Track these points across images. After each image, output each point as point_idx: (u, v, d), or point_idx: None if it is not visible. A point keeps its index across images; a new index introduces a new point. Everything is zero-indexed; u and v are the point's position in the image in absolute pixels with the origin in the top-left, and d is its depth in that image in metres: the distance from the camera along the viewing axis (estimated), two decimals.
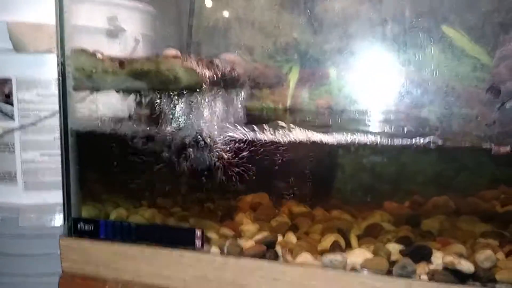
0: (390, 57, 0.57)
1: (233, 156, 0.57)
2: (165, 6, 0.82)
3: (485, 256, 0.50)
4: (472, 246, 0.54)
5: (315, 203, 0.63)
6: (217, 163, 0.58)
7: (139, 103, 0.58)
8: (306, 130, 0.56)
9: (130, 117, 0.67)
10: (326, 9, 0.69)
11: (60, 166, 0.71)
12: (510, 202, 0.58)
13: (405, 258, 0.51)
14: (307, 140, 0.56)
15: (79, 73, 0.55)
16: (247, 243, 0.56)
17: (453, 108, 0.48)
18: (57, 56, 0.56)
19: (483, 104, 0.46)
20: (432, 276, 0.49)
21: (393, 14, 0.53)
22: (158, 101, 0.56)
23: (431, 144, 0.48)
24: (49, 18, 0.65)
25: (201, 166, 0.58)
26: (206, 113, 0.57)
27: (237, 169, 0.57)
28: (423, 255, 0.52)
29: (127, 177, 0.62)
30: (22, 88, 0.70)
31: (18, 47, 0.68)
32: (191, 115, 0.57)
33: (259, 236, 0.57)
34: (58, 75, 0.56)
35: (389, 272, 0.51)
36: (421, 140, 0.48)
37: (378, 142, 0.52)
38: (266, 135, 0.56)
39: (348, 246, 0.56)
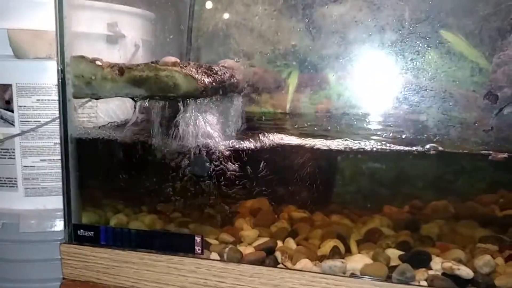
0: (388, 63, 0.58)
1: (233, 161, 0.57)
2: (164, 12, 0.82)
3: (484, 261, 0.50)
4: (471, 251, 0.54)
5: (314, 208, 0.63)
6: (217, 169, 0.58)
7: (138, 109, 0.58)
8: (305, 136, 0.57)
9: (129, 123, 0.68)
10: (324, 14, 0.69)
11: (59, 171, 0.71)
12: (509, 207, 0.58)
13: (404, 263, 0.52)
14: (306, 146, 0.56)
15: (79, 80, 0.55)
16: (247, 249, 0.56)
17: (451, 113, 0.49)
18: (57, 63, 0.56)
19: (481, 109, 0.47)
20: (432, 282, 0.49)
21: (391, 19, 0.54)
22: (157, 107, 0.57)
23: (430, 150, 0.48)
24: (49, 24, 0.66)
25: (200, 172, 0.58)
26: (205, 119, 0.58)
27: (237, 175, 0.58)
28: (422, 261, 0.52)
29: (126, 183, 0.62)
30: (22, 94, 0.71)
31: (18, 54, 0.69)
32: (190, 121, 0.57)
33: (259, 242, 0.58)
34: (58, 82, 0.57)
35: (388, 278, 0.51)
36: (420, 147, 0.48)
37: (377, 147, 0.52)
38: (264, 141, 0.56)
39: (348, 251, 0.56)
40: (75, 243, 0.59)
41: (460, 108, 0.49)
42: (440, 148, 0.48)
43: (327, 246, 0.56)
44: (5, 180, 0.73)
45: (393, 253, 0.54)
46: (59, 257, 0.60)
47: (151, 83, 0.54)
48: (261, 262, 0.54)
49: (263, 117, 0.71)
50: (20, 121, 0.71)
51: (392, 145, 0.51)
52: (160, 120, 0.60)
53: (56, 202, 0.73)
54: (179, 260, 0.55)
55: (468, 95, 0.49)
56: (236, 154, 0.57)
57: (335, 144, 0.56)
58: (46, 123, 0.71)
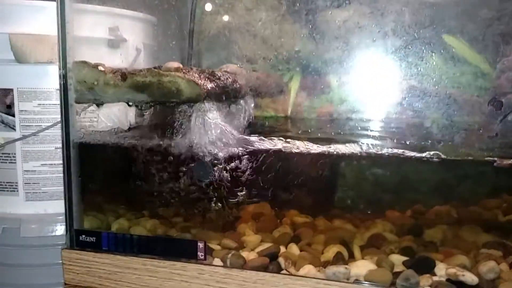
0: (390, 68, 0.58)
1: (235, 166, 0.57)
2: (166, 16, 0.82)
3: (488, 267, 0.50)
4: (475, 257, 0.54)
5: (317, 213, 0.62)
6: (219, 174, 0.58)
7: (140, 115, 0.58)
8: (308, 141, 0.56)
9: (131, 128, 0.68)
10: (327, 19, 0.69)
11: (61, 175, 0.71)
12: None
13: (409, 269, 0.51)
14: (309, 151, 0.56)
15: (81, 86, 0.55)
16: (250, 255, 0.56)
17: (455, 119, 0.48)
18: (59, 68, 0.56)
19: (485, 116, 0.47)
20: None
21: (394, 25, 0.54)
22: (160, 113, 0.56)
23: (434, 157, 0.48)
24: (50, 29, 0.65)
25: (203, 177, 0.58)
26: (207, 124, 0.57)
27: (239, 179, 0.57)
28: (426, 267, 0.52)
29: (128, 188, 0.61)
30: (23, 99, 0.71)
31: (19, 58, 0.68)
32: (192, 127, 0.57)
33: (262, 248, 0.57)
34: (60, 88, 0.56)
35: (392, 284, 0.51)
36: (424, 153, 0.48)
37: (379, 152, 0.52)
38: (267, 146, 0.56)
39: (351, 257, 0.56)
40: (77, 248, 0.59)
41: (464, 114, 0.48)
42: (443, 156, 0.48)
43: (331, 251, 0.56)
44: (5, 185, 0.73)
45: (397, 259, 0.54)
46: (60, 261, 0.60)
47: (154, 88, 0.53)
48: (264, 268, 0.54)
49: (266, 123, 0.71)
50: (21, 125, 0.71)
51: (396, 151, 0.51)
52: (162, 124, 0.60)
53: (57, 206, 0.73)
54: (181, 266, 0.55)
55: (472, 101, 0.49)
56: (239, 159, 0.57)
57: (338, 149, 0.56)
58: (47, 128, 0.71)
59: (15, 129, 0.71)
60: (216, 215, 0.62)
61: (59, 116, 0.69)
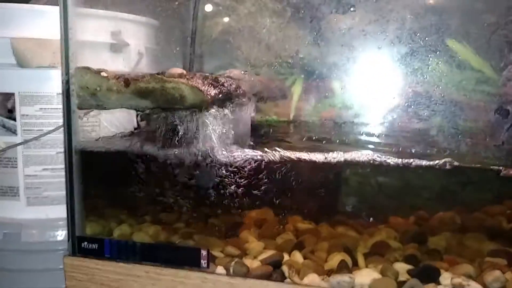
0: (395, 75, 0.57)
1: (237, 172, 0.57)
2: (168, 19, 0.81)
3: (493, 277, 0.49)
4: (480, 266, 0.54)
5: (320, 219, 0.62)
6: (221, 180, 0.57)
7: (143, 121, 0.57)
8: (312, 146, 0.56)
9: (134, 134, 0.67)
10: (331, 23, 0.68)
11: (62, 180, 0.70)
12: None
13: (413, 279, 0.51)
14: (311, 159, 0.56)
15: (84, 91, 0.55)
16: (253, 263, 0.56)
17: (461, 127, 0.48)
18: (62, 74, 0.56)
19: (491, 124, 0.46)
20: None
21: (400, 32, 0.53)
22: (162, 119, 0.56)
23: (441, 165, 0.47)
24: (52, 33, 0.65)
25: (205, 183, 0.57)
26: (210, 130, 0.57)
27: (241, 185, 0.57)
28: (431, 276, 0.51)
29: (130, 194, 0.61)
30: (25, 103, 0.70)
31: (21, 63, 0.68)
32: (194, 133, 0.57)
33: (265, 255, 0.57)
34: (63, 93, 0.56)
35: None
36: (429, 161, 0.48)
37: (383, 160, 0.52)
38: (270, 155, 0.56)
39: (355, 265, 0.56)
40: (79, 255, 0.59)
41: (470, 122, 0.48)
42: (449, 163, 0.47)
43: (334, 260, 0.55)
44: (6, 189, 0.72)
45: (402, 267, 0.54)
46: (62, 267, 0.60)
47: (157, 95, 0.53)
48: (268, 277, 0.53)
49: (271, 129, 0.71)
50: (23, 130, 0.71)
51: (401, 158, 0.51)
52: (165, 130, 0.60)
53: (58, 211, 0.72)
54: (185, 274, 0.54)
55: (479, 109, 0.48)
56: (242, 165, 0.57)
57: (342, 157, 0.56)
58: (49, 132, 0.70)
59: (16, 134, 0.71)
60: (219, 222, 0.62)
61: (61, 120, 0.69)
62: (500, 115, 0.46)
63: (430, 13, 0.58)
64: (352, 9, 0.55)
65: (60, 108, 0.69)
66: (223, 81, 0.56)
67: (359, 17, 0.56)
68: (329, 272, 0.54)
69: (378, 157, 0.51)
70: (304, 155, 0.56)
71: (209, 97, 0.53)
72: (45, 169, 0.72)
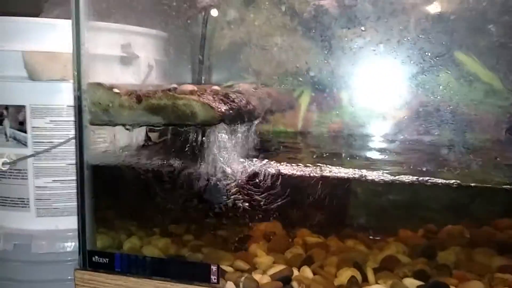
0: (407, 93, 0.57)
1: (247, 187, 0.57)
2: (177, 31, 0.82)
3: None
4: (489, 281, 0.54)
5: (328, 233, 0.62)
6: (230, 195, 0.58)
7: (154, 136, 0.58)
8: (320, 165, 0.56)
9: (145, 145, 0.68)
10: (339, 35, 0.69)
11: (72, 191, 0.71)
12: None
13: None
14: (320, 175, 0.56)
15: (96, 107, 0.55)
16: (262, 278, 0.56)
17: (473, 146, 0.48)
18: (74, 90, 0.56)
19: (502, 143, 0.46)
20: None
21: (411, 52, 0.53)
22: (172, 134, 0.57)
23: (453, 183, 0.48)
24: (63, 46, 0.66)
25: (214, 197, 0.58)
26: (219, 145, 0.57)
27: (251, 198, 0.57)
28: None
29: (140, 207, 0.62)
30: (35, 116, 0.71)
31: (32, 76, 0.69)
32: (204, 148, 0.57)
33: (274, 270, 0.57)
34: (75, 109, 0.57)
35: None
36: (440, 179, 0.48)
37: (392, 178, 0.52)
38: (279, 169, 0.56)
39: (365, 280, 0.56)
40: (90, 269, 0.59)
41: (481, 142, 0.48)
42: (459, 182, 0.47)
43: (344, 275, 0.55)
44: (17, 201, 0.73)
45: (411, 283, 0.54)
46: (71, 278, 0.60)
47: (169, 111, 0.54)
48: None
49: (278, 142, 0.71)
50: (33, 142, 0.72)
51: (410, 177, 0.51)
52: (176, 144, 0.60)
53: (68, 222, 0.73)
54: None
55: (491, 128, 0.48)
56: (252, 179, 0.57)
57: (350, 173, 0.56)
58: (60, 144, 0.71)
59: (27, 146, 0.72)
60: (228, 234, 0.62)
61: (71, 132, 0.70)
62: (511, 134, 0.46)
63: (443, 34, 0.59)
64: (362, 28, 0.55)
65: (70, 121, 0.70)
66: (233, 97, 0.57)
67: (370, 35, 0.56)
68: None
69: (388, 175, 0.51)
70: (314, 170, 0.56)
71: (220, 114, 0.53)
72: (55, 181, 0.73)
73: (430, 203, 0.53)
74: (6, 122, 0.71)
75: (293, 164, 0.57)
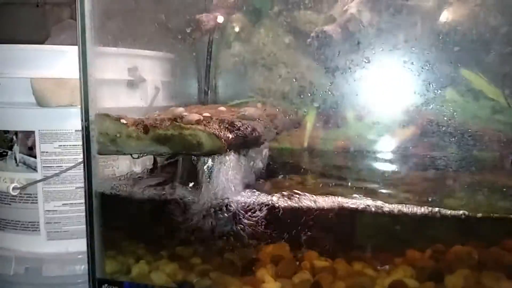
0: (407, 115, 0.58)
1: (253, 215, 0.58)
2: (184, 52, 0.83)
3: None
4: None
5: (335, 256, 0.62)
6: (237, 222, 0.58)
7: (161, 166, 0.58)
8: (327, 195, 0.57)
9: (153, 169, 0.68)
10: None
11: (81, 214, 0.72)
12: None
13: None
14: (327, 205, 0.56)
15: (104, 138, 0.56)
16: None
17: (478, 177, 0.48)
18: (81, 120, 0.57)
19: (508, 173, 0.46)
20: None
21: (419, 82, 0.54)
22: (179, 164, 0.57)
23: (461, 215, 0.48)
24: (70, 72, 0.67)
25: (221, 227, 0.58)
26: (225, 173, 0.58)
27: (257, 225, 0.58)
28: None
29: (149, 234, 0.62)
30: (44, 141, 0.72)
31: (41, 102, 0.70)
32: (211, 177, 0.58)
33: None
34: (83, 139, 0.57)
35: None
36: (446, 211, 0.48)
37: (398, 210, 0.52)
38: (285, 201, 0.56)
39: None
40: None
41: (487, 172, 0.48)
42: (466, 213, 0.47)
43: None
44: (27, 224, 0.74)
45: None
46: None
47: (176, 141, 0.54)
48: None
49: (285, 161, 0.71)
50: (43, 166, 0.72)
51: (415, 207, 0.51)
52: (182, 172, 0.61)
53: (78, 244, 0.74)
54: None
55: (496, 158, 0.48)
56: (259, 207, 0.58)
57: (356, 203, 0.56)
58: (69, 169, 0.72)
59: (36, 170, 0.73)
60: (235, 258, 0.63)
61: (79, 156, 0.70)
62: None
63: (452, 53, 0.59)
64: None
65: (78, 145, 0.71)
66: (239, 125, 0.57)
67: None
68: None
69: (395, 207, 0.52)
70: (321, 200, 0.56)
71: (226, 143, 0.54)
72: (64, 204, 0.74)
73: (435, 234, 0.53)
74: (16, 148, 0.72)
75: (301, 194, 0.57)
